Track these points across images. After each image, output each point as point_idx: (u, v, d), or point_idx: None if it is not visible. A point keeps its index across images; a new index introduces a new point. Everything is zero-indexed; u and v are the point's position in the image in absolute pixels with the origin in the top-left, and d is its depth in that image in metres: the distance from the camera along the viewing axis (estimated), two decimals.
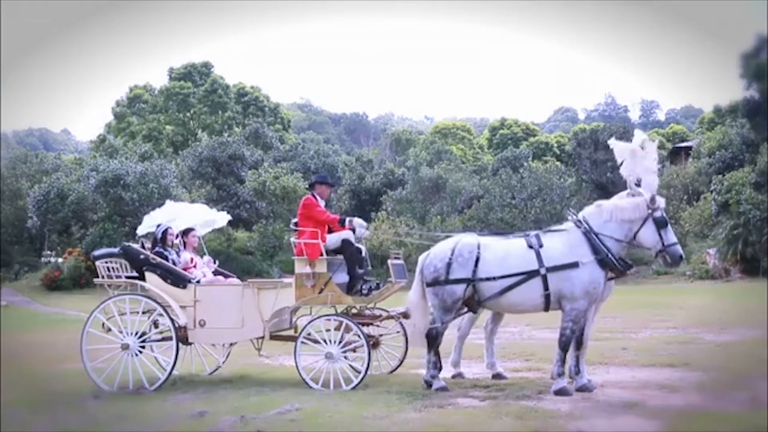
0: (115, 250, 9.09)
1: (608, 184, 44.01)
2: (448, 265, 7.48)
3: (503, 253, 7.50)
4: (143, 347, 8.34)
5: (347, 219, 8.28)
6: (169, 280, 8.29)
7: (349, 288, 8.07)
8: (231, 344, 8.81)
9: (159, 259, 8.40)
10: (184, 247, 8.99)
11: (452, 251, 7.55)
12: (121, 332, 8.25)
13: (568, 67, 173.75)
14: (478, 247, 7.52)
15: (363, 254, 8.32)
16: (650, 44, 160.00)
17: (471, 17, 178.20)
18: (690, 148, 45.47)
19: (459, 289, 7.48)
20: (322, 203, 8.29)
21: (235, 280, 8.91)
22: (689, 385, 7.36)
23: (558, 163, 50.85)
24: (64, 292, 30.06)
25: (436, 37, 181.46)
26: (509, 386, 7.56)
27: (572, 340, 7.31)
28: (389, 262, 8.49)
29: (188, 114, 56.67)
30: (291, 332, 8.65)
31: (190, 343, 8.58)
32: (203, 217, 9.80)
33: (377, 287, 8.37)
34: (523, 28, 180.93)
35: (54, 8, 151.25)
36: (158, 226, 8.89)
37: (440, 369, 7.69)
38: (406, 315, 8.24)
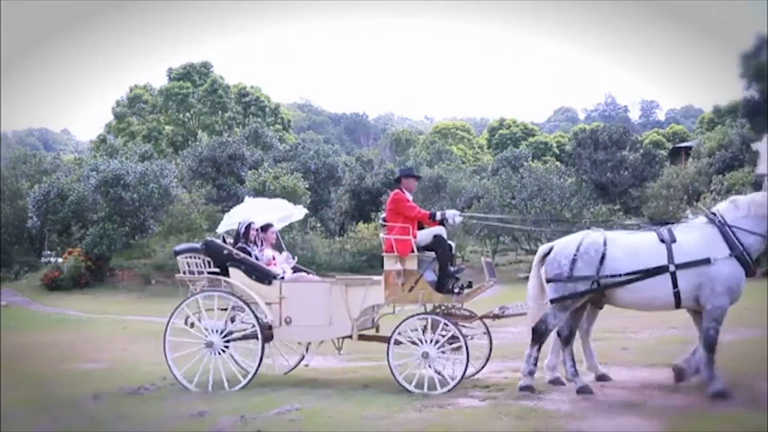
0: (197, 245, 8.83)
1: (608, 184, 44.09)
2: (573, 261, 7.20)
3: (633, 248, 7.17)
4: (227, 345, 8.13)
5: (438, 213, 8.00)
6: (254, 276, 8.07)
7: (439, 286, 7.83)
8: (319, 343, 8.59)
9: (243, 255, 8.21)
10: (262, 243, 8.79)
11: (578, 248, 7.24)
12: (204, 329, 8.08)
13: (568, 67, 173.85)
14: (605, 244, 7.19)
15: (453, 251, 8.04)
16: (650, 44, 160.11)
17: (471, 17, 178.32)
18: (690, 148, 45.44)
19: (582, 287, 7.20)
20: (410, 197, 8.05)
21: (315, 277, 8.76)
22: (689, 385, 7.36)
23: (558, 163, 50.87)
24: (64, 292, 30.04)
25: (436, 37, 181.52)
26: (509, 386, 7.55)
27: (716, 340, 6.92)
28: (482, 260, 8.37)
29: (188, 114, 56.67)
30: (371, 331, 8.48)
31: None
32: (281, 213, 9.56)
33: (469, 285, 8.13)
34: (523, 28, 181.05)
35: (54, 8, 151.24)
36: (239, 222, 8.68)
37: (574, 371, 7.34)
38: (498, 316, 8.02)
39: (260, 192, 37.43)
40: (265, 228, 8.82)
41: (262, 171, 38.56)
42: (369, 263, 39.42)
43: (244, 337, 8.15)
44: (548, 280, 7.36)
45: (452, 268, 7.92)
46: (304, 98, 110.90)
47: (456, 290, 7.91)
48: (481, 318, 8.14)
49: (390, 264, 7.76)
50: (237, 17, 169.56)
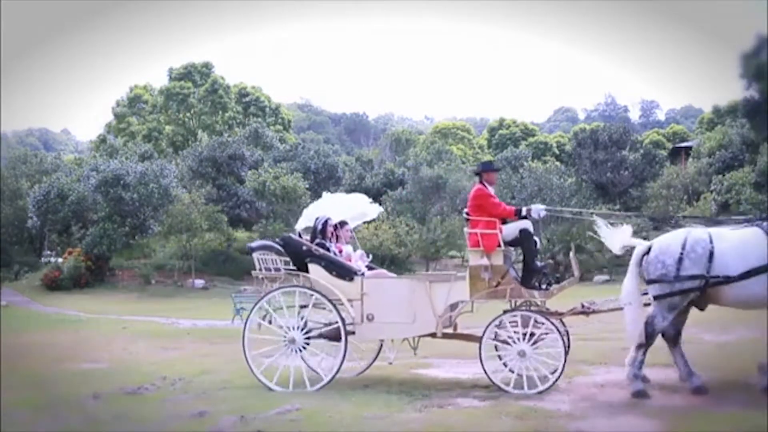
0: (268, 242, 8.68)
1: (608, 184, 44.09)
2: (679, 261, 6.87)
3: (740, 244, 6.86)
4: (308, 343, 7.94)
5: (524, 208, 7.70)
6: (334, 273, 7.86)
7: (524, 282, 7.60)
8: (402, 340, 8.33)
9: (323, 251, 8.00)
10: (338, 240, 8.63)
11: (683, 246, 6.91)
12: (284, 327, 7.89)
13: (568, 67, 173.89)
14: (711, 241, 6.88)
15: (538, 246, 7.79)
16: (650, 44, 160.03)
17: (471, 17, 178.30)
18: (690, 148, 45.48)
19: (691, 286, 6.90)
20: (492, 191, 7.81)
21: (391, 275, 8.55)
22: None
23: (558, 163, 50.85)
24: (64, 292, 30.07)
25: (436, 37, 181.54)
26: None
27: None
28: (571, 255, 8.18)
29: (188, 114, 56.68)
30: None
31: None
32: (357, 210, 9.29)
33: (557, 281, 7.89)
34: (523, 28, 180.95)
35: (54, 8, 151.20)
36: (316, 218, 8.48)
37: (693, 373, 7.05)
38: (586, 312, 7.67)
39: (260, 192, 37.50)
40: (340, 225, 8.68)
41: (262, 171, 38.59)
42: (369, 263, 39.47)
43: (319, 336, 7.99)
44: (651, 281, 7.10)
45: (539, 264, 7.72)
46: (304, 98, 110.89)
47: (543, 286, 7.67)
48: (568, 315, 7.73)
49: (475, 259, 7.55)
50: (237, 17, 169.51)
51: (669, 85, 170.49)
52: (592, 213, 8.53)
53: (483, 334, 7.46)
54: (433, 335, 7.80)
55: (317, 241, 8.17)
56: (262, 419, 6.37)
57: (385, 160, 55.48)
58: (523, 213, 7.64)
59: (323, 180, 42.01)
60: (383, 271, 8.61)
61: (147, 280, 33.33)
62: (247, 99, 59.29)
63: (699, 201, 35.08)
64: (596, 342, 10.30)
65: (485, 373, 7.35)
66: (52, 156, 52.76)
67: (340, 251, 8.41)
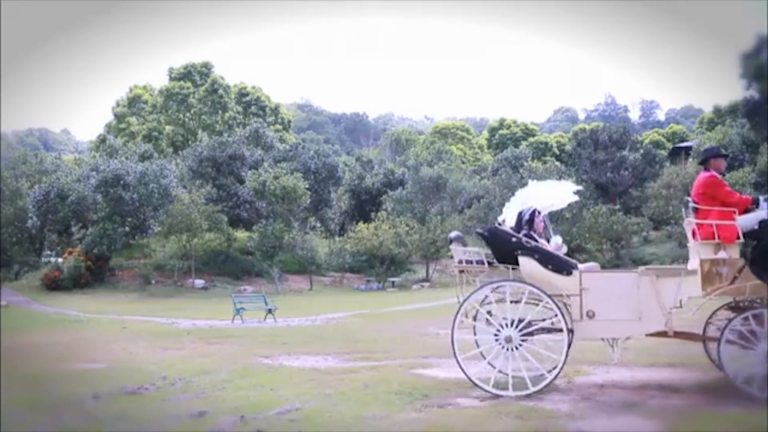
0: (457, 234, 8.16)
1: (608, 184, 44.11)
2: None
3: None
4: (524, 340, 7.33)
5: (761, 198, 7.07)
6: (549, 266, 7.28)
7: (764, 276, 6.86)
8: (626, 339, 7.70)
9: (536, 243, 7.47)
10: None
11: None
12: (496, 324, 7.35)
13: (568, 67, 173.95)
14: None
15: None
16: (650, 44, 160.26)
17: (471, 17, 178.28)
18: (690, 148, 45.45)
19: None
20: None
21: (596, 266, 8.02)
22: (689, 385, 7.36)
23: (558, 163, 50.88)
24: (64, 292, 30.05)
25: (436, 36, 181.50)
26: None
27: None
28: None
29: (188, 114, 56.68)
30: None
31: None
32: (560, 198, 8.69)
33: None
34: (523, 28, 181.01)
35: (54, 8, 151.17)
36: (522, 209, 7.95)
37: None
38: None
39: (260, 192, 37.49)
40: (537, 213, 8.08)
41: (262, 171, 38.57)
42: (369, 263, 39.46)
43: (542, 330, 7.39)
44: None
45: None
46: (304, 98, 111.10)
47: None
48: None
49: (708, 252, 6.93)
50: (237, 17, 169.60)
51: (669, 85, 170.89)
52: None
53: (722, 334, 6.79)
54: (659, 334, 7.21)
55: (524, 232, 7.62)
56: (262, 419, 6.36)
57: (385, 160, 55.52)
58: (761, 203, 7.01)
59: (323, 180, 42.00)
60: (595, 264, 8.08)
61: (147, 280, 33.32)
62: (247, 99, 59.31)
63: None
64: (596, 342, 10.29)
65: (725, 373, 6.72)
66: (52, 156, 52.76)
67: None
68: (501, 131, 68.49)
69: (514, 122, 69.45)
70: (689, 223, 7.24)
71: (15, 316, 21.38)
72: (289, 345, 12.36)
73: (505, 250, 7.53)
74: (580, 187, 9.30)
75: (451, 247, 7.92)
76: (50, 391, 8.48)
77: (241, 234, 39.65)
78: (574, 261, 7.49)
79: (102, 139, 56.31)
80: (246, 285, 34.26)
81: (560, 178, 39.38)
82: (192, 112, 56.36)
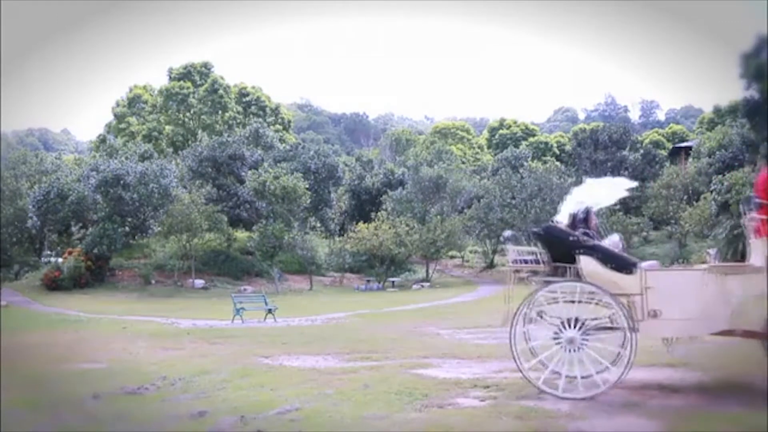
0: (512, 235, 8.04)
1: None
2: None
3: None
4: (586, 340, 7.13)
5: None
6: (611, 265, 7.10)
7: None
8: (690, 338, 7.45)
9: (596, 242, 7.31)
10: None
11: None
12: (556, 325, 7.17)
13: (568, 67, 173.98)
14: None
15: None
16: (650, 44, 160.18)
17: (472, 17, 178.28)
18: (690, 148, 45.48)
19: None
20: None
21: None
22: (689, 385, 7.36)
23: (558, 163, 50.89)
24: (64, 292, 30.05)
25: (436, 36, 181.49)
26: (509, 386, 7.53)
27: None
28: None
29: (188, 114, 56.70)
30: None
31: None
32: (610, 195, 8.42)
33: None
34: (523, 28, 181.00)
35: (54, 8, 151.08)
36: (578, 207, 7.78)
37: None
38: None
39: (260, 192, 37.50)
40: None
41: (262, 171, 38.57)
42: (369, 263, 39.46)
43: (605, 328, 7.20)
44: None
45: None
46: (304, 98, 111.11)
47: None
48: None
49: None
50: (237, 17, 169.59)
51: (669, 85, 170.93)
52: None
53: None
54: (726, 333, 7.00)
55: (581, 230, 7.48)
56: (262, 419, 6.36)
57: (385, 160, 55.54)
58: None
59: (323, 180, 42.01)
60: (655, 262, 7.92)
61: (147, 280, 33.31)
62: (247, 99, 59.32)
63: (699, 201, 35.07)
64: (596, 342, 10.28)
65: None
66: (52, 156, 52.76)
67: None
68: (501, 131, 68.51)
69: (514, 122, 69.46)
70: (752, 219, 7.00)
71: (15, 316, 21.37)
72: (289, 345, 12.36)
73: (562, 249, 7.35)
74: (635, 183, 9.08)
75: (505, 247, 7.78)
76: (50, 391, 8.48)
77: (241, 234, 39.65)
78: (635, 259, 7.34)
79: (102, 139, 56.31)
80: (246, 285, 34.26)
81: (560, 177, 39.43)
82: (192, 112, 56.36)
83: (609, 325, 7.13)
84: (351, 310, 21.65)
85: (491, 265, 42.61)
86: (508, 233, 8.11)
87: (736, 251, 28.24)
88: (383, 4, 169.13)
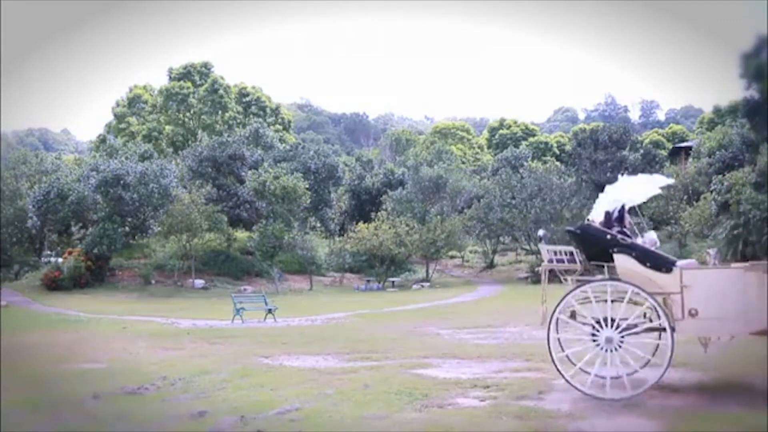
0: (546, 233, 7.98)
1: (608, 184, 44.13)
2: None
3: None
4: (623, 339, 7.02)
5: None
6: (648, 264, 6.98)
7: None
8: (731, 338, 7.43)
9: (632, 240, 7.20)
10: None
11: None
12: (594, 325, 7.05)
13: (568, 67, 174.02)
14: None
15: None
16: (650, 44, 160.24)
17: (472, 17, 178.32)
18: (690, 148, 45.48)
19: None
20: None
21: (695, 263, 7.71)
22: (689, 385, 7.36)
23: (558, 163, 50.89)
24: (64, 292, 30.04)
25: (436, 36, 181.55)
26: (509, 386, 7.53)
27: None
28: None
29: (188, 114, 56.69)
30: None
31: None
32: (643, 192, 8.33)
33: None
34: (523, 28, 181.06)
35: (54, 8, 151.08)
36: (613, 205, 7.71)
37: None
38: None
39: (260, 192, 37.50)
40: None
41: (262, 171, 38.56)
42: (369, 263, 39.45)
43: (646, 329, 7.12)
44: None
45: None
46: (304, 98, 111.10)
47: None
48: None
49: None
50: (237, 17, 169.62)
51: (669, 85, 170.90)
52: None
53: None
54: (764, 332, 6.85)
55: (616, 229, 7.36)
56: (262, 419, 6.36)
57: (385, 160, 55.53)
58: None
59: (323, 180, 42.00)
60: (693, 261, 7.85)
61: (147, 280, 33.30)
62: (247, 99, 59.30)
63: (699, 201, 35.08)
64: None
65: None
66: (52, 156, 52.74)
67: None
68: (501, 131, 68.50)
69: (514, 122, 69.46)
70: None
71: (15, 316, 21.37)
72: (289, 345, 12.36)
73: (598, 247, 7.28)
74: (671, 180, 8.93)
75: (540, 246, 7.70)
76: (50, 391, 8.48)
77: (241, 234, 39.63)
78: (673, 258, 7.25)
79: (102, 139, 56.29)
80: (246, 285, 34.25)
81: (560, 177, 39.43)
82: (192, 112, 56.35)
83: (647, 324, 7.05)
84: (351, 310, 21.65)
85: (491, 265, 42.60)
86: (542, 232, 8.06)
87: (736, 251, 28.27)
88: (383, 4, 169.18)
